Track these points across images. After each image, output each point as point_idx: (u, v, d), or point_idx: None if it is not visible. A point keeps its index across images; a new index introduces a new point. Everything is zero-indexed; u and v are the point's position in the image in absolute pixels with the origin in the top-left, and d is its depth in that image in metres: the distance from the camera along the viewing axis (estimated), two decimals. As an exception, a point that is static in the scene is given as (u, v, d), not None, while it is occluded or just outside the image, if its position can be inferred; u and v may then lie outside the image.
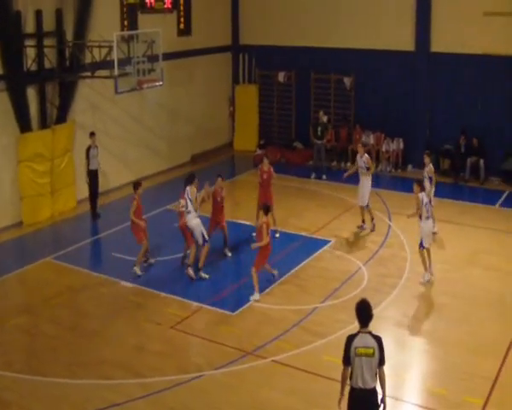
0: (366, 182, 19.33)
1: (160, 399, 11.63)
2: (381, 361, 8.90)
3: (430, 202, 16.73)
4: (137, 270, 16.56)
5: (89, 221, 20.67)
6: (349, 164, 26.21)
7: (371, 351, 8.80)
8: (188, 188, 16.34)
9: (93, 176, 20.43)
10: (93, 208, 20.73)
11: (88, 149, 20.28)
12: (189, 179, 16.55)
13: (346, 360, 8.92)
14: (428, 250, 16.04)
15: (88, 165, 20.31)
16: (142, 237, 16.68)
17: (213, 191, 17.18)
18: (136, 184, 16.74)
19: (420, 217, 15.93)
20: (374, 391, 8.97)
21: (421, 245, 15.90)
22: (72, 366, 12.68)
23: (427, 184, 18.77)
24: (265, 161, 18.77)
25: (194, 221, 16.28)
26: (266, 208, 15.61)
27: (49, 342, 13.65)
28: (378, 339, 8.90)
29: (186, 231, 16.57)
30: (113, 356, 13.02)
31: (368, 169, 19.24)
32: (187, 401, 11.59)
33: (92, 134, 20.47)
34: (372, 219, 19.37)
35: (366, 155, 19.57)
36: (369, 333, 8.91)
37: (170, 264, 17.39)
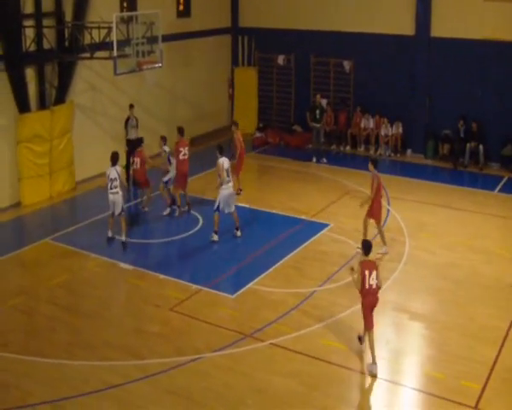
0: None
1: (159, 381, 11.64)
2: None
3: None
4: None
5: (88, 202, 20.64)
6: (348, 148, 26.28)
7: None
8: None
9: (131, 145, 21.12)
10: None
11: (127, 120, 21.55)
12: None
13: None
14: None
15: (126, 134, 21.53)
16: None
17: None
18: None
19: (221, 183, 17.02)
20: None
21: (217, 209, 17.11)
22: (70, 346, 12.70)
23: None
24: None
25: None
26: None
27: (47, 323, 13.68)
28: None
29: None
30: (111, 338, 13.03)
31: None
32: (185, 383, 11.60)
33: (131, 106, 21.62)
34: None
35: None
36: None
37: (169, 246, 17.42)
